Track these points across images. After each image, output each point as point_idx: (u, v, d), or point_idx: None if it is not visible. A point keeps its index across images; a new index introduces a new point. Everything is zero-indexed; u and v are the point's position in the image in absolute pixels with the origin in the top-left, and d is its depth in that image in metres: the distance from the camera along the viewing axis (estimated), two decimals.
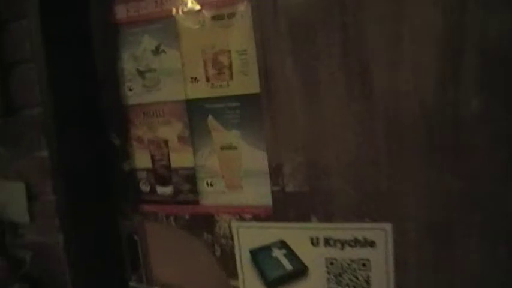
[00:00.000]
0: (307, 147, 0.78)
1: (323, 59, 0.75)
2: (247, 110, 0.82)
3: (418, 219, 0.72)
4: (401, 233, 0.73)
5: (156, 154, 0.93)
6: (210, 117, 0.86)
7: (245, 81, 0.81)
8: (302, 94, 0.77)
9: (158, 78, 0.89)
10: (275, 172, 0.81)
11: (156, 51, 0.88)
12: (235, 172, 0.86)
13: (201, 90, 0.86)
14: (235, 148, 0.85)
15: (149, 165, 0.94)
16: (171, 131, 0.90)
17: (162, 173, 0.93)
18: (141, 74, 0.91)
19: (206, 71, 0.84)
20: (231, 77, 0.82)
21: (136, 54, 0.91)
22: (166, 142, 0.91)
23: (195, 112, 0.87)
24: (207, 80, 0.85)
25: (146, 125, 0.93)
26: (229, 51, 0.82)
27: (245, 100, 0.82)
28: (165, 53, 0.88)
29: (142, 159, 0.95)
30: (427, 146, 0.70)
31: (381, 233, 0.74)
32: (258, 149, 0.82)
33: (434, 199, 0.71)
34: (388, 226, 0.73)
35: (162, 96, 0.90)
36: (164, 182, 0.94)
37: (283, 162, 0.80)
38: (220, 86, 0.84)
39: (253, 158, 0.83)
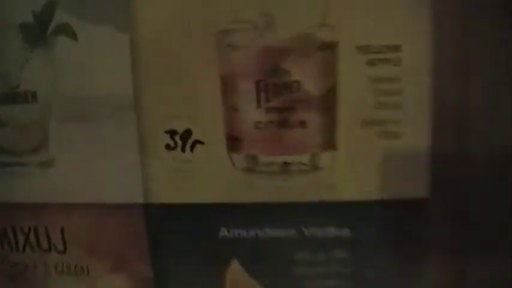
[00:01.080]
0: None
1: None
2: (379, 255, 0.25)
3: None
4: None
5: None
6: (235, 264, 0.27)
7: (386, 156, 0.24)
8: None
9: (44, 127, 0.27)
10: None
11: (42, 29, 0.26)
12: None
13: (203, 182, 0.26)
14: None
15: None
16: None
17: None
18: None
19: (232, 110, 0.25)
20: (330, 141, 0.24)
21: None
22: None
23: (182, 247, 0.27)
24: (234, 141, 0.25)
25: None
26: (334, 47, 0.23)
27: (373, 220, 0.25)
28: (75, 40, 0.26)
29: None
30: None
31: None
32: None
33: None
34: None
35: (58, 194, 0.27)
36: None
37: None
38: (285, 169, 0.25)
39: None
